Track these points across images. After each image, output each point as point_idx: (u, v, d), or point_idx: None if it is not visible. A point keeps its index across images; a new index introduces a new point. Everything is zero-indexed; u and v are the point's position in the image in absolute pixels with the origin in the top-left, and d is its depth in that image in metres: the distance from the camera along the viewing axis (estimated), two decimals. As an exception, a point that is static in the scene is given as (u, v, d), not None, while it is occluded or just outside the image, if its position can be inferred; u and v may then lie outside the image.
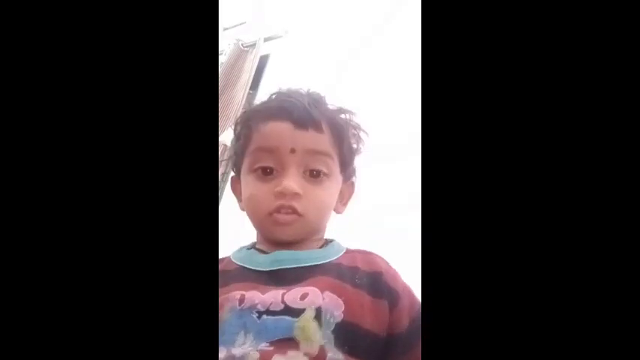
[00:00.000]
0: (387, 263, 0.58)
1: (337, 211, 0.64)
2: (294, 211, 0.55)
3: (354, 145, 0.63)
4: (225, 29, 2.06)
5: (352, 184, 0.67)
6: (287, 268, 0.54)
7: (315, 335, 0.46)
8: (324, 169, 0.58)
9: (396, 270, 0.58)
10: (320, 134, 0.57)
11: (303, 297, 0.49)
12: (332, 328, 0.47)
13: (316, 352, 0.45)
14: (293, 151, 0.56)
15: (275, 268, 0.54)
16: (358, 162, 0.65)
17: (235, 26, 2.07)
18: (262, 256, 0.56)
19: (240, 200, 0.64)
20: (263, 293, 0.50)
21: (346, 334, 0.47)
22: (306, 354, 0.44)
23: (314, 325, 0.47)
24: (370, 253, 0.60)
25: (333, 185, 0.61)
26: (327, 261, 0.56)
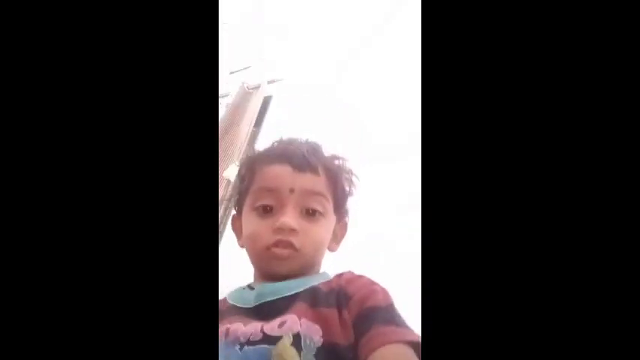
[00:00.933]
0: (354, 275, 0.60)
1: (331, 249, 0.67)
2: (291, 246, 0.58)
3: (347, 188, 0.68)
4: (232, 73, 2.23)
5: (345, 224, 0.70)
6: (269, 301, 0.55)
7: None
8: (320, 209, 0.61)
9: (361, 277, 0.59)
10: (316, 177, 0.62)
11: (281, 325, 0.50)
12: (314, 353, 0.47)
13: None
14: (292, 191, 0.60)
15: (259, 303, 0.55)
16: (351, 204, 0.69)
17: (240, 70, 2.23)
18: (250, 292, 0.59)
19: (239, 238, 0.68)
20: (245, 326, 0.51)
21: (329, 356, 0.47)
22: None
23: (292, 351, 0.47)
24: (345, 273, 0.61)
25: (328, 224, 0.64)
26: (305, 288, 0.57)
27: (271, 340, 0.47)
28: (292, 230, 0.57)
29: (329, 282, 0.59)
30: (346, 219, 0.70)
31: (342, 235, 0.70)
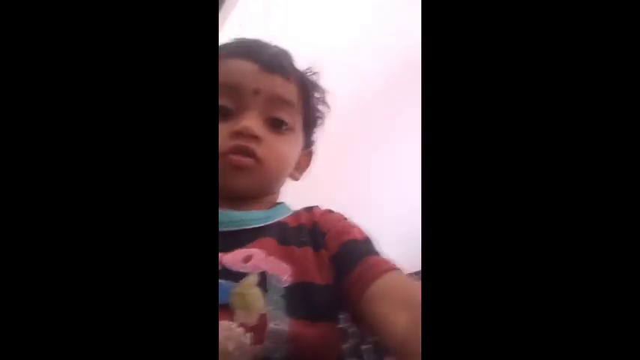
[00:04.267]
0: (326, 210, 0.52)
1: (293, 177, 0.58)
2: (253, 154, 0.47)
3: (318, 112, 0.58)
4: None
5: (310, 154, 0.61)
6: (230, 231, 0.45)
7: (257, 303, 0.38)
8: (287, 120, 0.51)
9: (332, 212, 0.52)
10: (287, 83, 0.51)
11: (246, 259, 0.42)
12: (281, 293, 0.40)
13: (255, 322, 0.37)
14: (257, 92, 0.49)
15: (221, 230, 0.44)
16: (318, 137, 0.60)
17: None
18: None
19: None
20: None
21: (300, 296, 0.41)
22: (241, 325, 0.36)
23: (256, 291, 0.39)
24: (313, 207, 0.53)
25: (295, 142, 0.54)
26: (272, 221, 0.49)
27: (231, 275, 0.39)
28: (254, 137, 0.47)
29: (296, 216, 0.51)
30: (312, 148, 0.60)
31: (306, 166, 0.60)
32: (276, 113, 0.50)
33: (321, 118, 0.59)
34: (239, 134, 0.47)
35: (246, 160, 0.47)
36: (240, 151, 0.47)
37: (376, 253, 0.45)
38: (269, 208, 0.52)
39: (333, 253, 0.45)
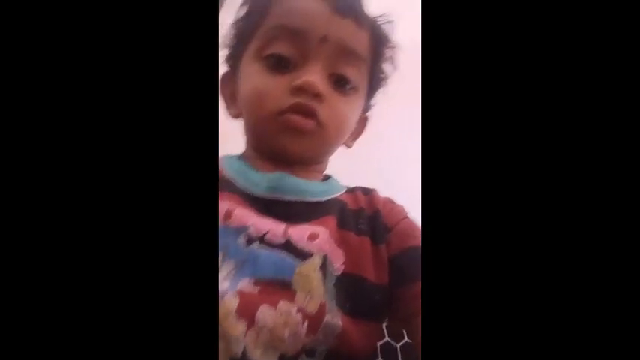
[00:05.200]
0: (387, 199, 0.46)
1: (347, 145, 0.51)
2: (314, 116, 0.40)
3: (384, 71, 0.48)
4: None
5: (366, 119, 0.52)
6: (289, 201, 0.40)
7: (318, 289, 0.34)
8: (354, 79, 0.43)
9: (394, 203, 0.46)
10: (360, 30, 0.42)
11: (312, 237, 0.37)
12: (334, 282, 0.36)
13: (315, 311, 0.33)
14: (324, 40, 0.40)
15: (274, 197, 0.40)
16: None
17: None
18: (258, 174, 0.42)
19: (231, 104, 0.47)
20: (258, 219, 0.37)
21: (348, 289, 0.36)
22: (300, 310, 0.32)
23: (319, 276, 0.35)
24: (372, 191, 0.47)
25: (357, 106, 0.45)
26: (332, 197, 0.43)
27: (296, 251, 0.35)
28: (318, 95, 0.39)
29: (354, 196, 0.45)
30: (368, 113, 0.51)
31: (360, 133, 0.52)
32: (342, 69, 0.42)
33: (386, 79, 0.49)
34: (300, 90, 0.39)
35: (307, 122, 0.39)
36: (301, 111, 0.39)
37: None
38: (322, 180, 0.47)
39: (394, 254, 0.40)
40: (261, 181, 0.40)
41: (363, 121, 0.51)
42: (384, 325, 0.53)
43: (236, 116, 0.47)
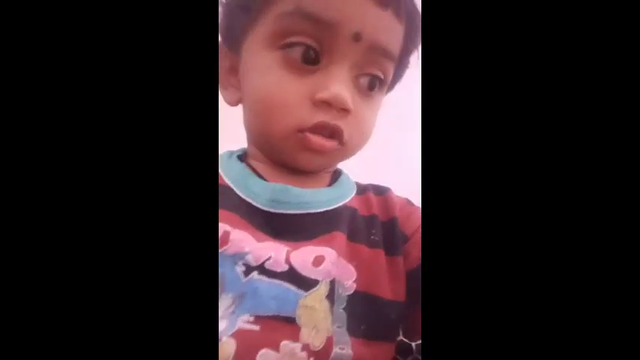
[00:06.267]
0: (404, 201, 0.42)
1: None
2: (338, 135, 0.35)
3: (410, 63, 0.42)
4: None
5: (381, 98, 0.46)
6: (293, 214, 0.36)
7: (325, 321, 0.31)
8: (382, 79, 0.37)
9: (412, 205, 0.42)
10: (397, 24, 0.35)
11: (318, 262, 0.33)
12: (344, 305, 0.32)
13: (321, 345, 0.30)
14: (358, 38, 0.33)
15: (277, 211, 0.36)
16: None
17: None
18: (260, 183, 0.37)
19: (226, 86, 0.40)
20: (258, 241, 0.33)
21: (361, 310, 0.33)
22: (305, 348, 0.30)
23: (325, 306, 0.32)
24: (386, 191, 0.43)
25: (379, 106, 0.41)
26: (340, 204, 0.39)
27: (300, 281, 0.31)
28: (345, 111, 0.34)
29: (366, 199, 0.41)
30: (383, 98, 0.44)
31: None
32: (372, 70, 0.36)
33: (402, 77, 0.43)
34: (326, 105, 0.34)
35: (329, 144, 0.35)
36: (325, 132, 0.34)
37: None
38: (331, 183, 0.42)
39: (412, 268, 0.37)
40: (263, 192, 0.36)
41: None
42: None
43: (234, 103, 0.41)
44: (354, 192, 0.42)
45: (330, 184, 0.42)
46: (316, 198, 0.38)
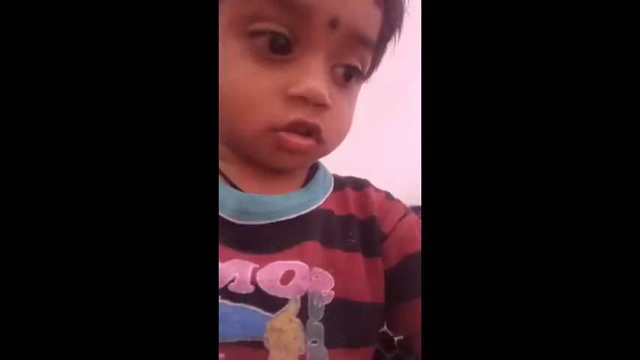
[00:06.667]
0: (383, 196, 0.41)
1: None
2: (315, 133, 0.33)
3: (385, 51, 0.39)
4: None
5: (359, 88, 0.41)
6: (262, 225, 0.34)
7: (297, 340, 0.30)
8: (359, 69, 0.34)
9: (391, 199, 0.40)
10: (377, 8, 0.32)
11: (287, 279, 0.31)
12: (320, 317, 0.31)
13: None
14: (334, 25, 0.30)
15: (243, 222, 0.33)
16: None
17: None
18: (225, 189, 0.34)
19: None
20: (222, 260, 0.31)
21: (340, 317, 0.32)
22: None
23: (296, 325, 0.30)
24: (364, 185, 0.41)
25: (356, 95, 0.38)
26: (314, 207, 0.36)
27: (267, 302, 0.30)
28: (323, 106, 0.32)
29: (343, 196, 0.39)
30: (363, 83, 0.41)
31: None
32: (349, 59, 0.33)
33: (380, 63, 0.39)
34: (302, 100, 0.31)
35: (307, 142, 0.32)
36: (301, 130, 0.32)
37: None
38: (307, 181, 0.40)
39: (391, 267, 0.35)
40: (228, 199, 0.33)
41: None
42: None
43: None
44: (331, 189, 0.40)
45: (305, 183, 0.40)
46: (287, 204, 0.35)
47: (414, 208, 0.42)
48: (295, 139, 0.32)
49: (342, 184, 0.41)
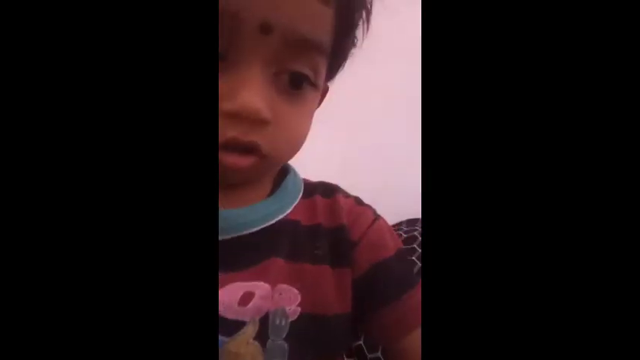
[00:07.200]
0: (352, 203, 0.39)
1: None
2: (255, 150, 0.30)
3: (348, 54, 0.36)
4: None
5: (327, 89, 0.39)
6: (224, 240, 0.32)
7: None
8: (311, 75, 0.31)
9: (360, 205, 0.39)
10: (324, 6, 0.29)
11: (245, 300, 0.31)
12: (284, 334, 0.31)
13: None
14: (267, 30, 0.27)
15: None
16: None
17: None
18: None
19: None
20: None
21: (307, 332, 0.31)
22: None
23: (253, 348, 0.30)
24: (334, 192, 0.39)
25: (313, 101, 0.34)
26: (280, 217, 0.35)
27: (224, 326, 0.29)
28: (261, 120, 0.29)
29: (312, 204, 0.38)
30: (331, 81, 0.38)
31: (318, 106, 0.38)
32: (295, 65, 0.29)
33: (355, 46, 0.36)
34: (236, 115, 0.28)
35: (246, 160, 0.30)
36: (238, 149, 0.29)
37: (415, 284, 0.35)
38: (275, 188, 0.38)
39: (359, 275, 0.35)
40: None
41: (323, 93, 0.39)
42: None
43: None
44: (300, 196, 0.38)
45: (272, 191, 0.38)
46: (250, 217, 0.34)
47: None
48: (231, 159, 0.29)
49: (312, 190, 0.40)
